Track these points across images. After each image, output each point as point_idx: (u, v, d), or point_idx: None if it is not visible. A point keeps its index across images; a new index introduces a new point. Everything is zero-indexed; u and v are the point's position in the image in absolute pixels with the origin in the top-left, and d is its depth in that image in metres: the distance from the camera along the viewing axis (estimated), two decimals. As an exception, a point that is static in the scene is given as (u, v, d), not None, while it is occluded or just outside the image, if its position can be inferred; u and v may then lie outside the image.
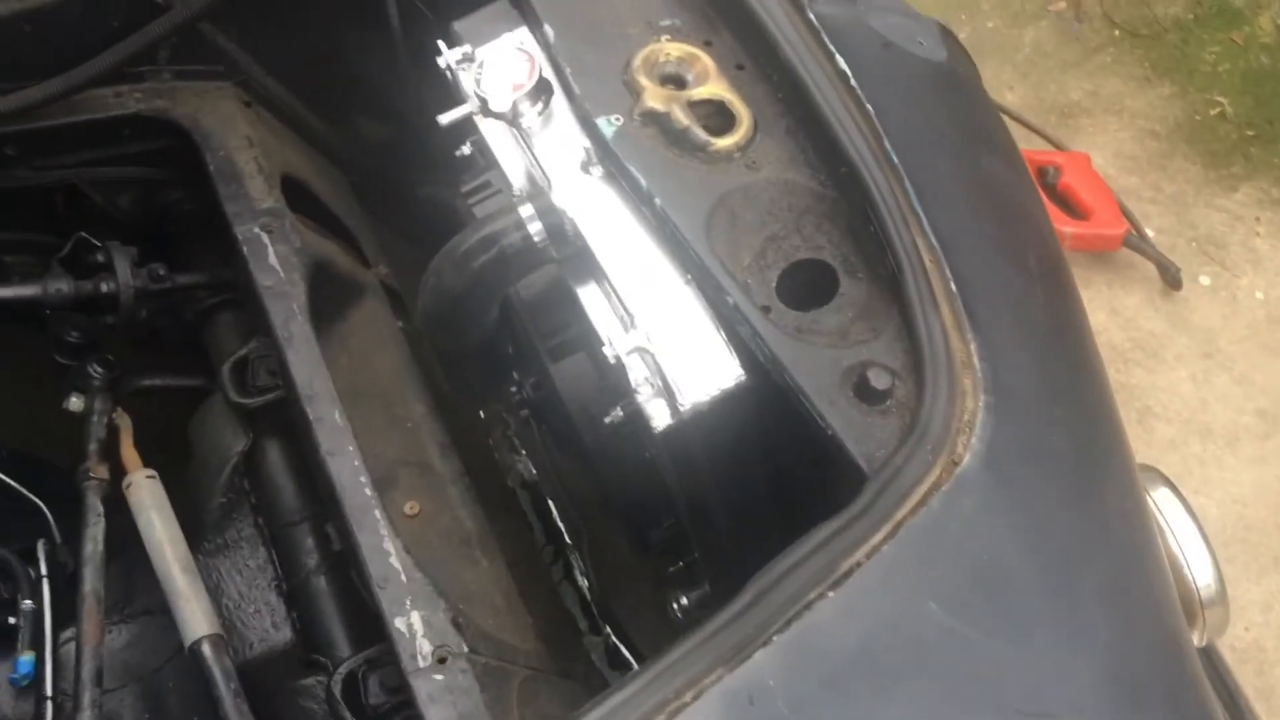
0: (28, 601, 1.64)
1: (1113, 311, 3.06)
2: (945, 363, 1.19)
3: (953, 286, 1.23)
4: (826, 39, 1.40)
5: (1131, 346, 3.01)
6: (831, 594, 1.06)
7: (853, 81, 1.36)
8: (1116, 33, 3.60)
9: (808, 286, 1.31)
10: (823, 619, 1.05)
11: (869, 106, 1.34)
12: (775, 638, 1.04)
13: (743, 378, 1.25)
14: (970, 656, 1.08)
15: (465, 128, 1.49)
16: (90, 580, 1.59)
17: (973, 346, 1.21)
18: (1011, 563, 1.13)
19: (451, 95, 1.52)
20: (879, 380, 1.19)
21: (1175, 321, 3.06)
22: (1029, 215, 1.44)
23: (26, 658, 1.60)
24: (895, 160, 1.30)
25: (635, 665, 1.95)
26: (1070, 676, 1.10)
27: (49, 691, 1.57)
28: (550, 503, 2.11)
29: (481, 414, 2.22)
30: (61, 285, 1.79)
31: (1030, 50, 3.60)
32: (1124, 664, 1.15)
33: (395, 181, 2.28)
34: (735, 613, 1.06)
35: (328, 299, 1.82)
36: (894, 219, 1.27)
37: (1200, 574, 1.41)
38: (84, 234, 1.89)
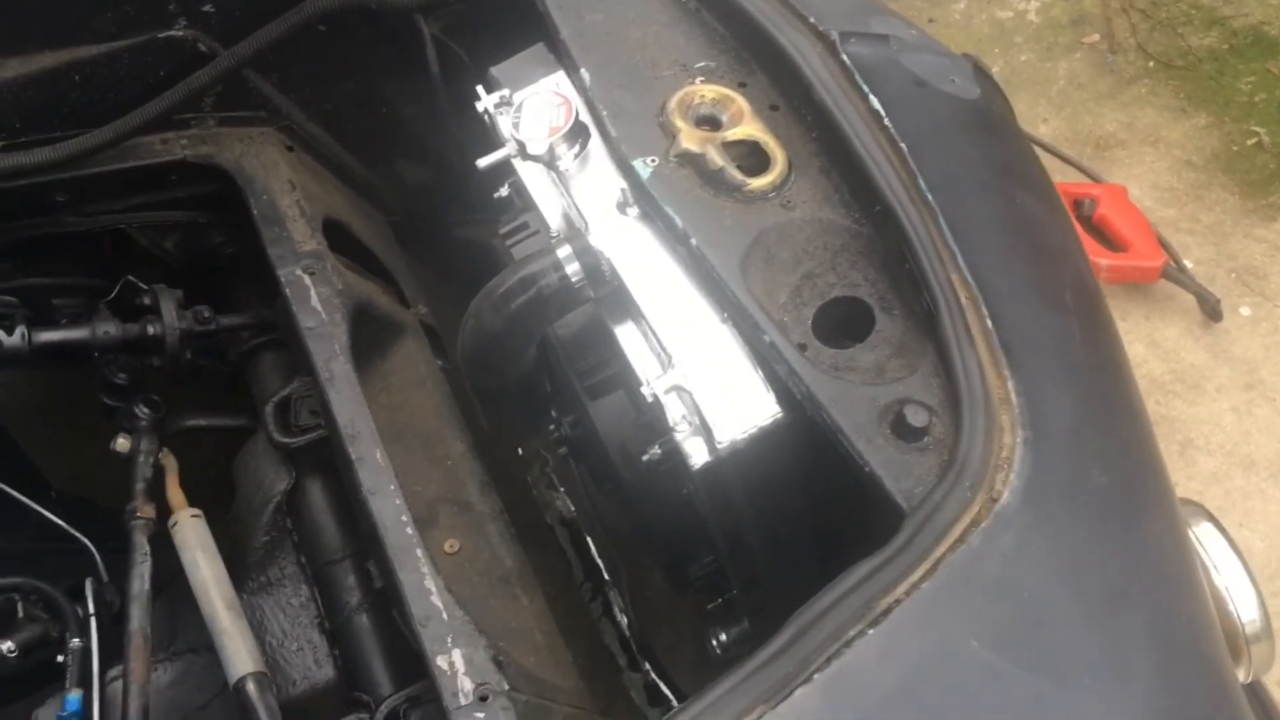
0: (75, 640, 1.67)
1: (1152, 343, 3.04)
2: (982, 399, 1.19)
3: (989, 323, 1.24)
4: (859, 79, 1.41)
5: (1172, 379, 2.98)
6: (871, 632, 1.06)
7: (886, 121, 1.37)
8: (1151, 64, 3.60)
9: (844, 324, 1.31)
10: (863, 657, 1.05)
11: (902, 145, 1.35)
12: (816, 676, 1.04)
13: (780, 415, 1.25)
14: (1012, 695, 1.07)
15: (503, 170, 1.51)
16: (137, 618, 1.61)
17: (1010, 383, 1.21)
18: (1052, 600, 1.12)
19: (490, 138, 1.54)
20: (916, 417, 1.19)
21: (1216, 353, 3.03)
22: (1064, 250, 1.45)
23: (74, 696, 1.62)
24: (929, 198, 1.31)
25: (675, 702, 1.95)
26: (1113, 715, 1.10)
27: (96, 729, 1.59)
28: (589, 539, 2.12)
29: (520, 451, 2.24)
30: (109, 328, 1.84)
31: (1065, 83, 3.60)
32: (1167, 702, 1.14)
33: (434, 222, 2.31)
34: (775, 650, 1.06)
35: (368, 339, 1.84)
36: (929, 256, 1.27)
37: (1245, 609, 1.40)
38: (131, 277, 1.93)
